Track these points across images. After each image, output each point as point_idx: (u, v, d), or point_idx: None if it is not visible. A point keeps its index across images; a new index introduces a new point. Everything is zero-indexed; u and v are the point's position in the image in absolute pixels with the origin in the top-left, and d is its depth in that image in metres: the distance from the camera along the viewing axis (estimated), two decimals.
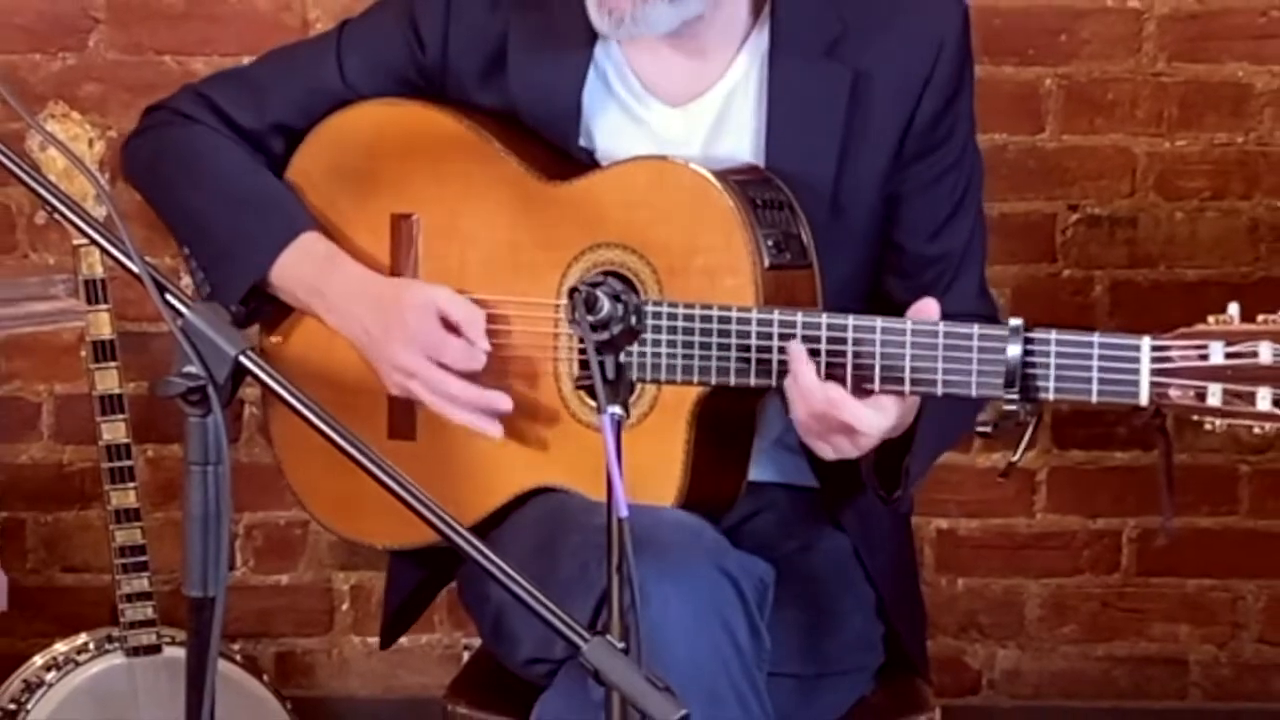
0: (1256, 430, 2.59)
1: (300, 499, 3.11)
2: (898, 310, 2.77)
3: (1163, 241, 3.93)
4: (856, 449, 2.75)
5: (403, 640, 3.51)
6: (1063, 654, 4.03)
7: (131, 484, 3.66)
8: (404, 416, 3.00)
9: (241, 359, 2.30)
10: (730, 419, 2.90)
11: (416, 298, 2.94)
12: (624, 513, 2.45)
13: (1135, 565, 4.01)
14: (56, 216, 2.48)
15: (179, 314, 2.32)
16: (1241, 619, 4.02)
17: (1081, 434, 3.96)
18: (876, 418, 2.70)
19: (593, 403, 2.63)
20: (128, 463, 3.66)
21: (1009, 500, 3.99)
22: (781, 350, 2.77)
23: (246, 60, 3.69)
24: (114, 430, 3.65)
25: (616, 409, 2.53)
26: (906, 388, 2.70)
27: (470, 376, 2.92)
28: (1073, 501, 4.00)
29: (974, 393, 2.70)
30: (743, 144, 2.97)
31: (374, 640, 4.01)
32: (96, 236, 2.45)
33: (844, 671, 3.03)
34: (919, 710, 3.07)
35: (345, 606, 4.04)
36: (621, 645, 2.36)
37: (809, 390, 2.70)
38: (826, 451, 2.77)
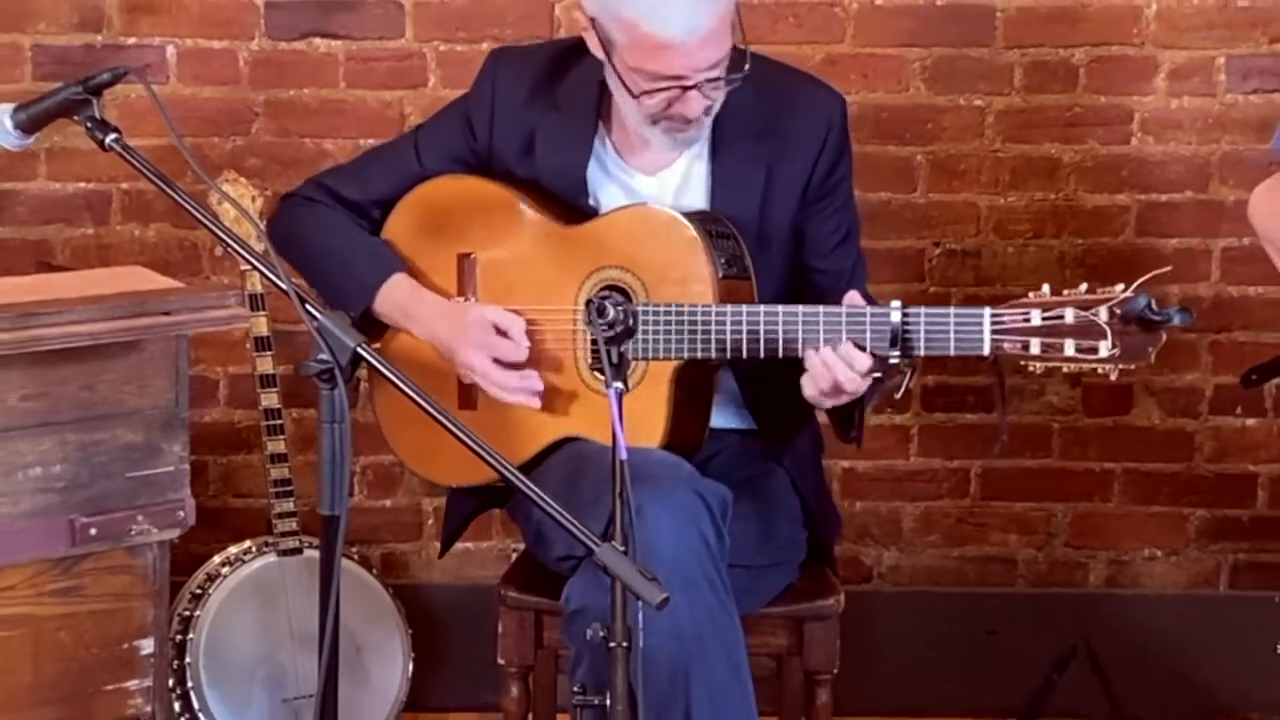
0: (1065, 370, 2.62)
1: (394, 450, 3.11)
2: None
3: (999, 268, 3.92)
4: (851, 396, 2.77)
5: (470, 545, 3.52)
6: (929, 555, 4.02)
7: (281, 436, 3.65)
8: (468, 394, 3.02)
9: (358, 349, 2.31)
10: (697, 383, 2.91)
11: (476, 315, 2.95)
12: (624, 457, 2.46)
13: (980, 493, 4.00)
14: (229, 250, 2.48)
15: (314, 318, 2.32)
16: (1054, 530, 4.01)
17: (941, 401, 3.95)
18: (866, 360, 2.73)
19: (602, 378, 2.63)
20: (279, 421, 3.65)
21: (891, 447, 3.98)
22: (735, 332, 2.78)
23: (362, 141, 3.71)
24: (269, 399, 3.65)
25: (619, 384, 2.54)
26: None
27: (516, 364, 2.92)
28: (936, 448, 3.99)
29: (868, 350, 2.72)
30: (697, 198, 2.99)
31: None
32: (257, 264, 2.46)
33: (779, 564, 3.03)
34: (829, 594, 3.07)
35: (430, 522, 4.03)
36: (623, 549, 2.36)
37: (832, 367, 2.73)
38: (826, 403, 2.81)
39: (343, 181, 3.10)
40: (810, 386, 2.78)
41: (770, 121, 2.96)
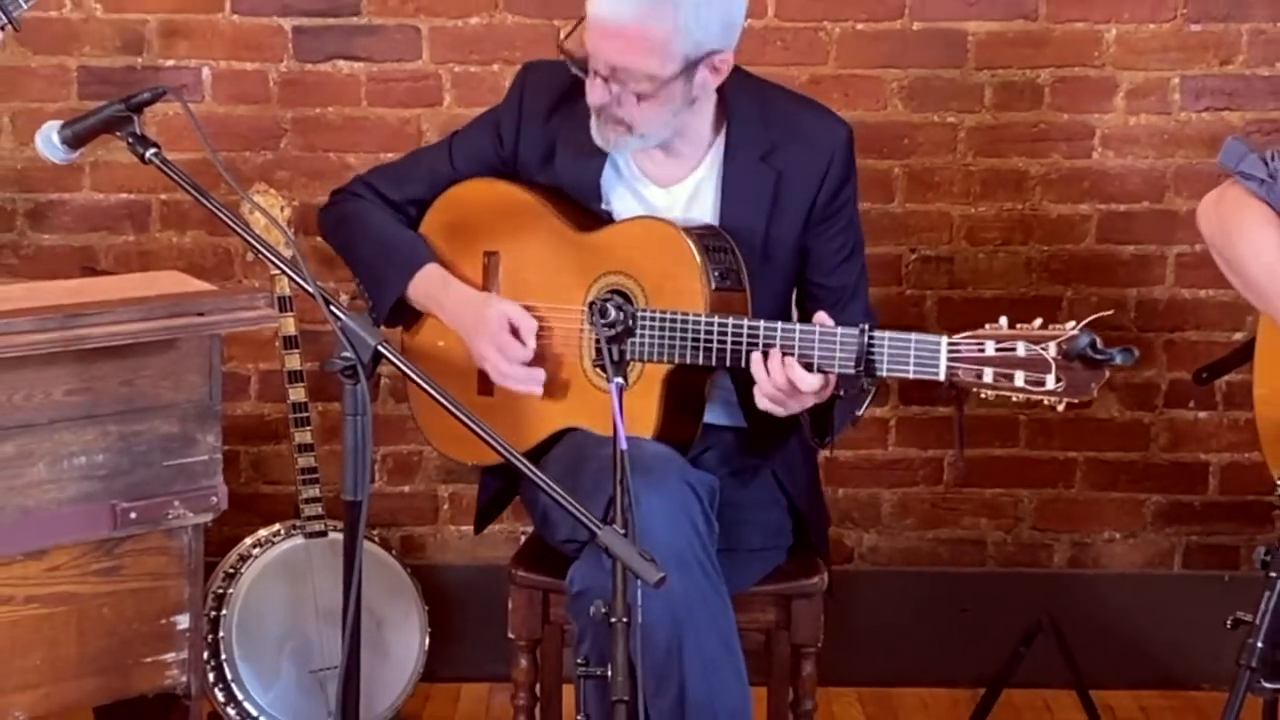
0: (1014, 399, 2.59)
1: (424, 433, 3.12)
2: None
3: (970, 272, 3.92)
4: (800, 405, 2.75)
5: None
6: (905, 537, 4.02)
7: (308, 428, 3.65)
8: (487, 380, 3.02)
9: (379, 348, 2.31)
10: (688, 386, 2.90)
11: (496, 310, 2.95)
12: (624, 446, 2.45)
13: (953, 480, 4.00)
14: (260, 256, 2.48)
15: (338, 318, 2.31)
16: (1020, 514, 4.01)
17: (917, 394, 3.95)
18: (814, 380, 2.70)
19: (604, 375, 2.62)
20: (305, 414, 3.65)
21: (871, 438, 3.97)
22: (720, 341, 2.78)
23: (382, 155, 3.70)
24: (297, 393, 3.65)
25: (620, 380, 2.54)
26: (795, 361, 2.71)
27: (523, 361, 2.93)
28: (912, 438, 3.99)
29: (836, 369, 2.70)
30: (706, 213, 2.97)
31: (465, 528, 3.99)
32: (285, 269, 2.45)
33: (765, 549, 3.02)
34: (813, 574, 3.06)
35: (445, 507, 4.02)
36: (623, 532, 2.36)
37: (773, 375, 2.71)
38: (779, 411, 2.77)
39: (385, 181, 3.12)
40: (757, 393, 2.78)
41: (778, 145, 2.95)
